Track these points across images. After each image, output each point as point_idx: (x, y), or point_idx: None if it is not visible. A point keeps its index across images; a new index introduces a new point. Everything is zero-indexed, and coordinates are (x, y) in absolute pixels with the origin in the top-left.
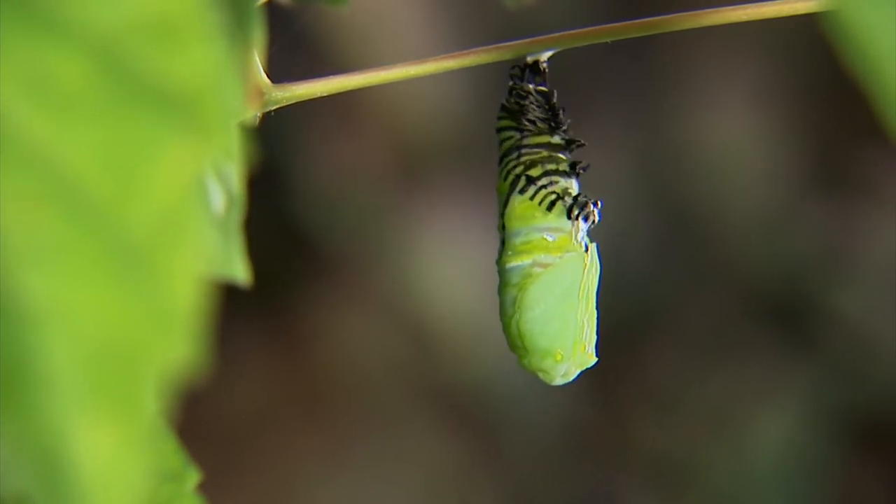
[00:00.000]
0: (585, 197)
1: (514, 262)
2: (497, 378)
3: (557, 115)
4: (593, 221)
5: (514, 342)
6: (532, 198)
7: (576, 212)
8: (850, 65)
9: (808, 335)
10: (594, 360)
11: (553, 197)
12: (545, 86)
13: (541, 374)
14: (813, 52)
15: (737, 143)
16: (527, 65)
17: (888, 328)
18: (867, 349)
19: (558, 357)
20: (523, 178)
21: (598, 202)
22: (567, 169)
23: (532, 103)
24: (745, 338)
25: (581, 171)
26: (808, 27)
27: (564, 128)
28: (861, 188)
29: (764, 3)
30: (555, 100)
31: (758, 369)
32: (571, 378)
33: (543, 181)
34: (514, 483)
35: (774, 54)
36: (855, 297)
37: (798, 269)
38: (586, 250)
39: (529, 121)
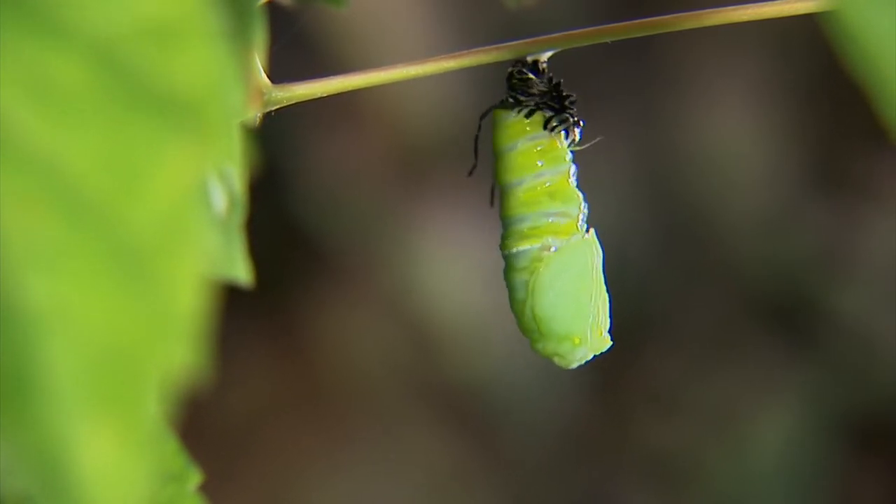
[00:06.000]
0: (569, 113)
1: (521, 246)
2: (497, 378)
3: (559, 86)
4: (574, 140)
5: (529, 327)
6: (513, 110)
7: (554, 123)
8: (850, 66)
9: (808, 335)
10: (609, 343)
11: (532, 106)
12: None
13: (556, 359)
14: (813, 52)
15: (737, 143)
16: (526, 64)
17: (888, 328)
18: (867, 349)
19: (576, 341)
20: (507, 97)
21: (581, 121)
22: (554, 99)
23: (535, 79)
24: (745, 338)
25: (570, 105)
26: (808, 27)
27: (565, 93)
28: (861, 189)
29: (764, 3)
30: (554, 76)
31: (758, 369)
32: (585, 361)
33: (526, 99)
34: (515, 483)
35: (774, 54)
36: (855, 297)
37: (798, 270)
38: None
39: (531, 94)
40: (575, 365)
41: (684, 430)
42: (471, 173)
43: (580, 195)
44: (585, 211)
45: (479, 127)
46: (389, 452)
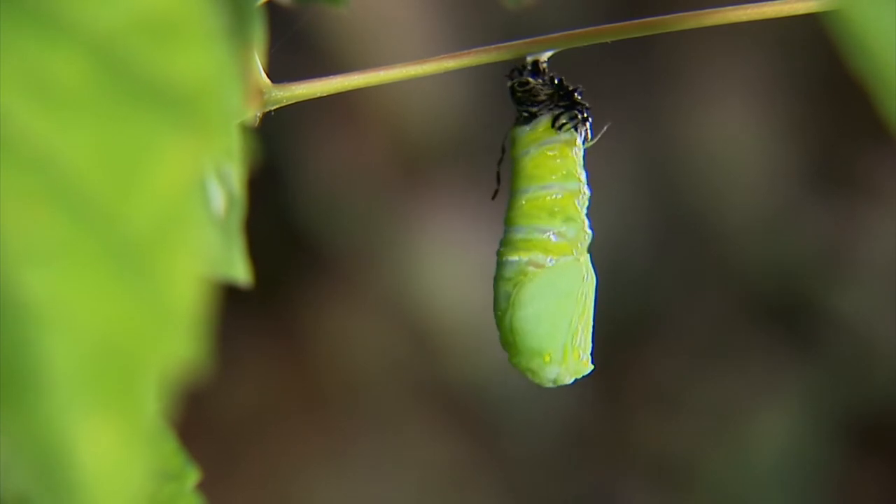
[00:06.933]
0: (579, 109)
1: (511, 257)
2: (497, 378)
3: (563, 84)
4: (586, 137)
5: (506, 338)
6: (525, 114)
7: (563, 120)
8: (853, 64)
9: (808, 335)
10: (590, 367)
11: (546, 112)
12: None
13: (529, 374)
14: (813, 51)
15: (737, 142)
16: (526, 65)
17: (888, 328)
18: (867, 349)
19: (547, 358)
20: (520, 114)
21: (590, 116)
22: (563, 97)
23: (537, 84)
24: (746, 338)
25: (579, 98)
26: (808, 27)
27: (571, 87)
28: (862, 188)
29: (764, 3)
30: (555, 74)
31: (758, 369)
32: (564, 383)
33: (538, 109)
34: (515, 483)
35: (775, 54)
36: (855, 297)
37: (798, 269)
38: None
39: (540, 102)
40: (549, 384)
41: (685, 430)
42: (494, 197)
43: (585, 220)
44: (587, 238)
45: (503, 150)
46: (389, 452)
